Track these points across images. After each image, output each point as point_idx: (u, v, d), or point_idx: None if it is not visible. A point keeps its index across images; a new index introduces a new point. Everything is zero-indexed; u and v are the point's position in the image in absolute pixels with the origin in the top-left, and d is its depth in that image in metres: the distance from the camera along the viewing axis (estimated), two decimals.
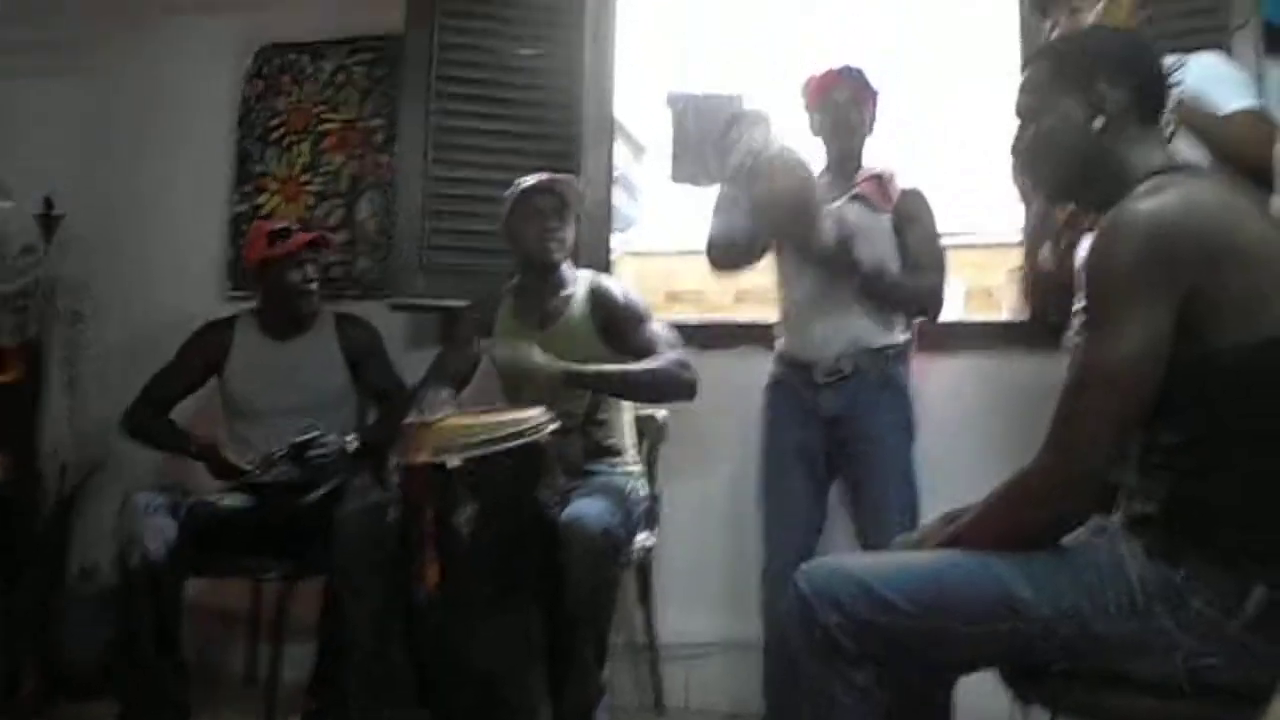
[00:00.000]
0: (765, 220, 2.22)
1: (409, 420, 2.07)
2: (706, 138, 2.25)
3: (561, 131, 2.83)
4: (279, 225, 2.67)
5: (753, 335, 2.63)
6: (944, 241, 2.36)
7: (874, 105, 2.38)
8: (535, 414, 2.04)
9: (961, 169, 5.17)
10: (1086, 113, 1.34)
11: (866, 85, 2.35)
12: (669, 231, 5.64)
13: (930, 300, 2.29)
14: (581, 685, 2.05)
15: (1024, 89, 1.43)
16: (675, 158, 2.28)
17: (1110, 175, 1.33)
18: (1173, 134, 1.64)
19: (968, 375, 2.61)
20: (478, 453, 1.92)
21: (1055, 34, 2.08)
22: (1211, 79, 1.89)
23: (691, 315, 3.86)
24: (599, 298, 2.39)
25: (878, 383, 2.25)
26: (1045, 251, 1.96)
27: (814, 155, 2.33)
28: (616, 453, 2.39)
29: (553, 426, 2.05)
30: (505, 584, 2.03)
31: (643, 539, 2.40)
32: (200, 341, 2.66)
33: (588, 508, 2.05)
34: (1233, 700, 1.16)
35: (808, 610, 1.27)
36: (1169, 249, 1.19)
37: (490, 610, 2.03)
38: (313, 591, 2.33)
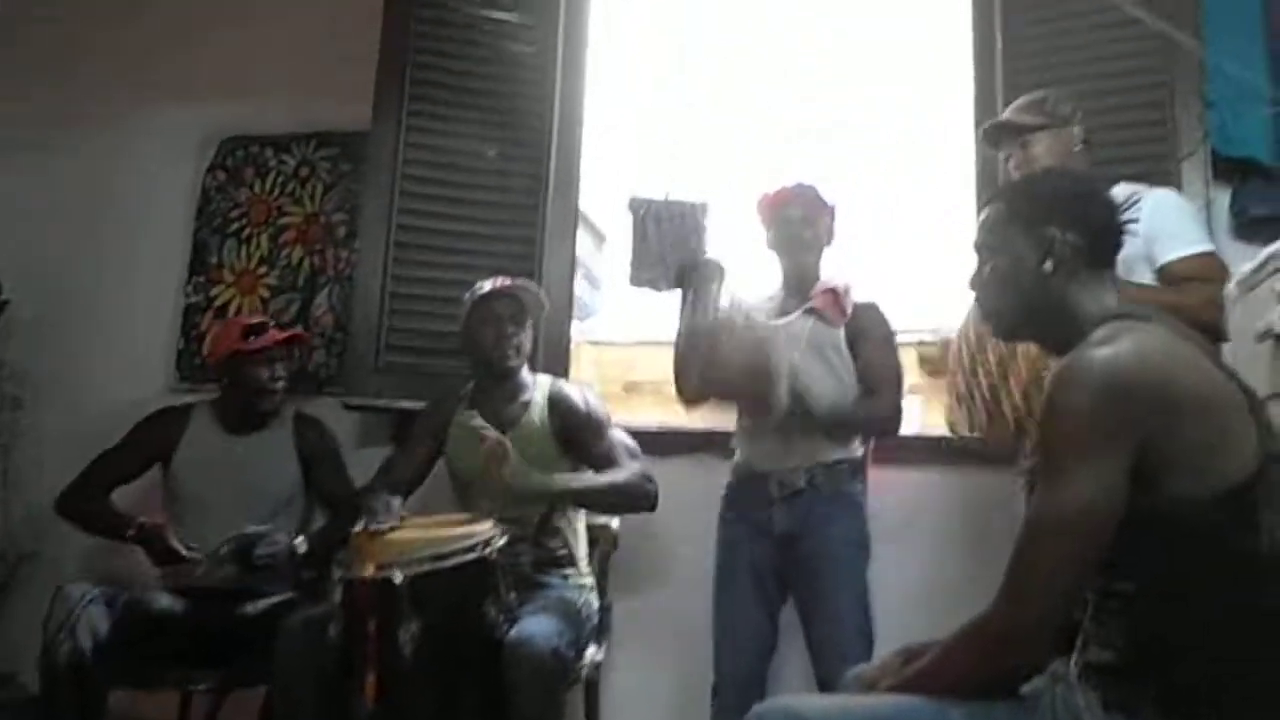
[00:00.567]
0: (720, 382, 2.19)
1: (356, 529, 2.01)
2: (666, 242, 2.24)
3: (524, 233, 2.83)
4: (255, 320, 2.63)
5: (712, 442, 2.60)
6: (900, 353, 2.34)
7: (830, 219, 2.37)
8: (484, 529, 2.00)
9: (924, 265, 5.28)
10: (1038, 255, 1.36)
11: (820, 201, 2.35)
12: (629, 321, 5.66)
13: (888, 424, 2.28)
14: None
15: (981, 227, 1.46)
16: (634, 262, 2.27)
17: (1061, 318, 1.35)
18: None
19: (925, 488, 2.59)
20: (424, 569, 1.87)
21: (1010, 163, 2.15)
22: (1169, 218, 1.98)
23: (650, 409, 3.84)
24: (558, 405, 2.37)
25: (831, 497, 2.23)
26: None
27: (769, 270, 2.34)
28: (569, 563, 2.34)
29: (502, 541, 2.00)
30: (447, 702, 1.95)
31: (591, 653, 2.33)
32: (152, 426, 2.59)
33: (536, 626, 1.98)
34: None
35: None
36: (1124, 399, 1.19)
37: None
38: (243, 702, 2.24)
